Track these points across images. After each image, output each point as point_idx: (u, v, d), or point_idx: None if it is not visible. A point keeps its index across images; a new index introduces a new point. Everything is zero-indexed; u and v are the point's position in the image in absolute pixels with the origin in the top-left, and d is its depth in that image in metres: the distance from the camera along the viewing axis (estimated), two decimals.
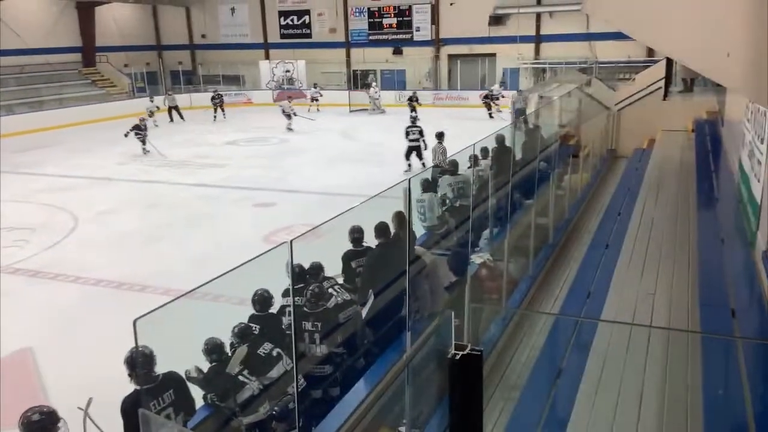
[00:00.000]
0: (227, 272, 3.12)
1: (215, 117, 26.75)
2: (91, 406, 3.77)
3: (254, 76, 33.97)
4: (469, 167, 7.16)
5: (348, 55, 33.58)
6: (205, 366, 4.29)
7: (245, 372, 4.20)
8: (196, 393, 4.20)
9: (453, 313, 4.34)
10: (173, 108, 26.69)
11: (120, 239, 11.12)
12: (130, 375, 3.83)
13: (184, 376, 4.13)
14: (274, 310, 4.89)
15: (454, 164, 7.91)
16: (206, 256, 9.81)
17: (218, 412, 4.21)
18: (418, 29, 32.11)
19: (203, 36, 36.17)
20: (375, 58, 32.57)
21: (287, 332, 4.70)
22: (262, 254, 3.58)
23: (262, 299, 4.78)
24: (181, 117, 26.64)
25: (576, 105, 11.89)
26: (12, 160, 18.89)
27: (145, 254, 10.28)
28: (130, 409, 3.73)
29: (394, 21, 32.54)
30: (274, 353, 4.36)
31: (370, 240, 5.65)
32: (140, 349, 3.53)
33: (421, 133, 15.58)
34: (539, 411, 4.21)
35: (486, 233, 6.91)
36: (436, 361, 4.21)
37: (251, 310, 4.78)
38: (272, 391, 4.26)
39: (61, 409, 3.67)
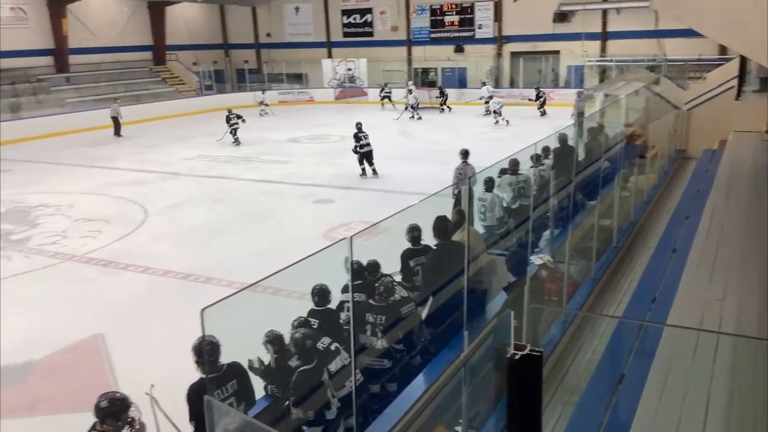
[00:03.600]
0: (288, 267, 3.20)
1: (222, 138, 21.56)
2: (156, 391, 3.93)
3: (317, 75, 34.44)
4: (531, 167, 7.06)
5: (409, 53, 33.59)
6: (266, 357, 4.40)
7: (296, 357, 4.26)
8: (257, 383, 4.31)
9: (513, 313, 4.30)
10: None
11: (187, 232, 11.50)
12: (197, 362, 3.95)
13: (246, 367, 4.25)
14: (332, 305, 4.96)
15: (515, 163, 7.81)
16: (267, 250, 10.03)
17: (277, 403, 4.30)
18: (480, 27, 31.81)
19: (268, 35, 36.90)
20: (436, 56, 32.45)
21: (345, 327, 4.76)
22: (321, 250, 3.65)
23: (321, 294, 4.85)
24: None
25: (643, 104, 11.53)
26: (87, 154, 19.83)
27: (210, 247, 10.60)
28: (195, 396, 3.86)
29: (456, 18, 32.34)
30: (332, 347, 4.42)
31: (428, 238, 5.66)
32: (207, 338, 3.64)
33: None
34: (599, 417, 4.12)
35: (546, 234, 6.80)
36: (494, 361, 4.19)
37: (310, 305, 4.86)
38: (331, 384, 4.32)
39: (128, 393, 3.84)
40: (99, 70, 29.79)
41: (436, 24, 32.85)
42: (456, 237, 5.42)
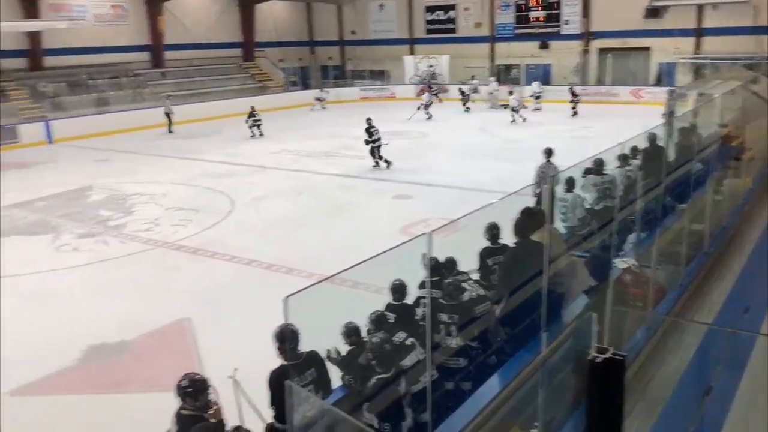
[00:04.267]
0: (366, 260, 3.26)
1: (252, 134, 22.38)
2: (238, 376, 4.08)
3: (398, 71, 34.60)
4: (617, 167, 6.83)
5: (492, 50, 33.18)
6: (343, 348, 4.49)
7: (374, 363, 4.31)
8: (333, 373, 4.41)
9: (595, 315, 4.19)
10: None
11: (271, 223, 11.87)
12: (278, 349, 4.08)
13: (324, 356, 4.35)
14: (409, 300, 5.00)
15: (600, 163, 7.58)
16: (346, 244, 10.20)
17: (352, 394, 4.38)
18: (566, 22, 30.98)
19: (353, 32, 37.39)
20: (520, 53, 31.87)
21: (421, 323, 4.79)
22: (400, 245, 3.69)
23: (398, 289, 4.90)
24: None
25: (740, 103, 10.89)
26: (180, 146, 20.79)
27: (292, 239, 10.89)
28: (275, 382, 3.99)
29: (541, 14, 31.65)
30: (408, 342, 4.46)
31: (507, 237, 5.60)
32: (289, 326, 3.74)
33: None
34: (683, 428, 3.96)
35: (632, 237, 6.57)
36: (573, 364, 4.10)
37: (387, 299, 4.92)
38: (405, 379, 4.36)
39: (212, 376, 4.02)
40: (191, 66, 31.14)
41: (521, 20, 32.26)
42: (536, 237, 5.33)
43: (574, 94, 25.32)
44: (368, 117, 16.73)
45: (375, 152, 16.38)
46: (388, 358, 4.12)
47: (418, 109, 25.08)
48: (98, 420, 5.72)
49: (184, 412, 3.78)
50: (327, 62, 35.60)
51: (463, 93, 28.03)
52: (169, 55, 30.38)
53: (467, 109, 27.30)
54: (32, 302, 8.51)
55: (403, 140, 20.93)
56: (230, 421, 3.93)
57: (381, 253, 3.34)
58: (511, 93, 26.06)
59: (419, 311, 4.99)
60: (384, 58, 34.93)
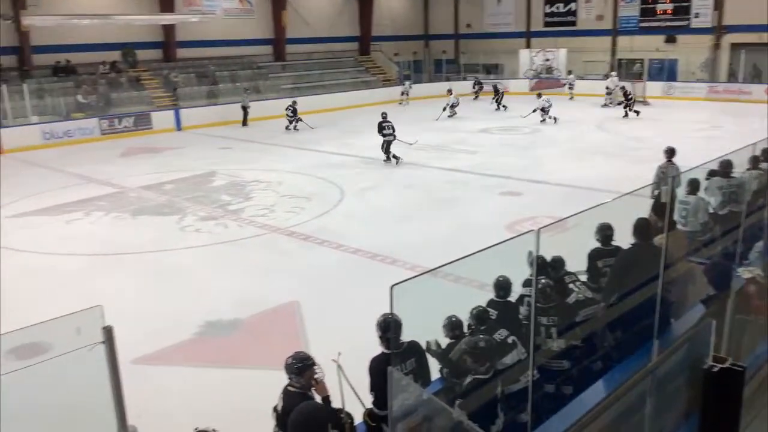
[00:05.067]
0: (470, 255, 3.26)
1: (288, 127, 22.91)
2: (341, 360, 4.22)
3: (513, 65, 33.93)
4: (747, 170, 6.38)
5: (614, 44, 31.74)
6: (444, 341, 4.52)
7: (470, 360, 4.30)
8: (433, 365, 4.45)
9: (714, 323, 3.95)
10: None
11: (377, 214, 12.10)
12: (380, 338, 4.18)
13: (424, 348, 4.40)
14: (512, 298, 4.94)
15: (727, 165, 7.09)
16: (451, 238, 10.21)
17: (449, 388, 4.41)
18: (696, 15, 29.05)
19: (468, 25, 37.06)
20: (644, 47, 30.27)
21: (524, 322, 4.72)
22: (506, 241, 3.66)
23: (502, 286, 4.85)
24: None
25: None
26: (296, 136, 21.59)
27: (397, 230, 11.04)
28: (377, 369, 4.08)
29: (669, 7, 29.85)
30: (510, 340, 4.42)
31: (618, 239, 5.38)
32: (392, 315, 3.82)
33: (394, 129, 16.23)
34: None
35: (759, 245, 6.11)
36: (687, 374, 3.90)
37: (489, 295, 4.89)
38: (504, 377, 4.33)
39: (317, 358, 4.17)
40: (311, 59, 32.18)
41: (647, 12, 30.60)
42: (657, 240, 5.09)
43: (626, 96, 23.60)
44: (383, 111, 17.03)
45: (386, 146, 16.49)
46: (483, 356, 4.11)
47: (444, 109, 24.33)
48: (211, 392, 6.10)
49: (291, 388, 3.96)
50: (441, 56, 35.53)
51: (570, 86, 27.84)
52: (290, 48, 31.55)
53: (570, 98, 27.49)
54: (158, 277, 9.21)
55: (515, 136, 20.56)
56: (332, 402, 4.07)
57: (485, 248, 3.34)
58: (539, 94, 24.95)
59: (522, 310, 4.92)
60: (498, 51, 34.37)
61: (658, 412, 4.18)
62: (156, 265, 9.72)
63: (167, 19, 26.30)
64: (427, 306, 4.12)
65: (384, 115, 16.73)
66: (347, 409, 4.10)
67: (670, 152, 9.87)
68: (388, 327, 4.04)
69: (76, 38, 24.56)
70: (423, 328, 4.52)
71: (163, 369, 6.58)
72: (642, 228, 5.12)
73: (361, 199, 13.28)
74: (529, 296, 4.70)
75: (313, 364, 3.99)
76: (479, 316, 4.57)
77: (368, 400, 4.25)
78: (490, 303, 4.86)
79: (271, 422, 4.04)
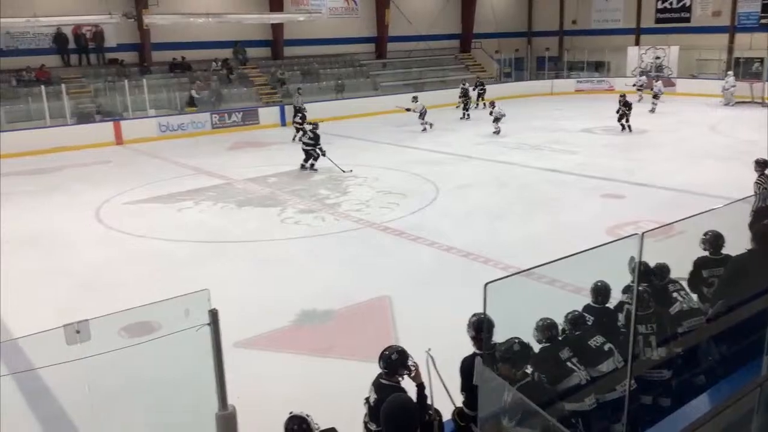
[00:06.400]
0: (567, 257, 3.19)
1: (294, 138, 20.06)
2: (430, 355, 4.24)
3: (619, 63, 32.56)
4: None
5: (731, 41, 29.71)
6: (536, 344, 4.44)
7: (574, 359, 4.21)
8: None
9: None
10: None
11: (472, 213, 12.01)
12: (473, 338, 4.16)
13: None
14: (610, 305, 4.78)
15: None
16: (546, 238, 10.00)
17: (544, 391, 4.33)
18: None
19: (574, 22, 35.93)
20: (764, 45, 28.12)
21: (622, 330, 4.57)
22: (606, 244, 3.55)
23: (601, 291, 4.69)
24: None
25: None
26: (394, 134, 21.77)
27: (491, 229, 10.92)
28: (468, 369, 4.06)
29: None
30: (606, 347, 4.29)
31: (728, 248, 5.08)
32: (485, 316, 3.80)
33: None
34: None
35: None
36: None
37: (585, 300, 4.75)
38: (599, 385, 4.22)
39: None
40: (410, 57, 32.35)
41: None
42: None
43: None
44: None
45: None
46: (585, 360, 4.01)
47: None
48: (304, 379, 6.31)
49: (383, 381, 4.01)
50: (544, 53, 34.68)
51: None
52: (391, 46, 31.86)
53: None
54: (258, 266, 9.62)
55: (619, 136, 19.76)
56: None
57: (583, 251, 3.26)
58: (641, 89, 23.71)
59: (621, 317, 4.76)
60: (604, 48, 33.08)
61: (765, 430, 3.93)
62: (257, 253, 10.15)
63: (276, 18, 27.28)
64: (520, 307, 4.07)
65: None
66: (436, 405, 4.12)
67: (763, 164, 9.16)
68: (481, 328, 4.02)
69: (192, 36, 26.02)
70: (517, 330, 4.47)
71: (260, 354, 6.88)
72: (764, 234, 4.78)
73: (457, 197, 13.23)
74: (629, 303, 4.53)
75: (408, 357, 4.04)
76: (575, 320, 4.46)
77: (458, 400, 4.26)
78: (587, 308, 4.73)
79: (360, 412, 4.14)
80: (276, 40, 28.86)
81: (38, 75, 22.46)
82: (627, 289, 4.66)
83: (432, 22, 33.10)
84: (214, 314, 3.59)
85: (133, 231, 11.43)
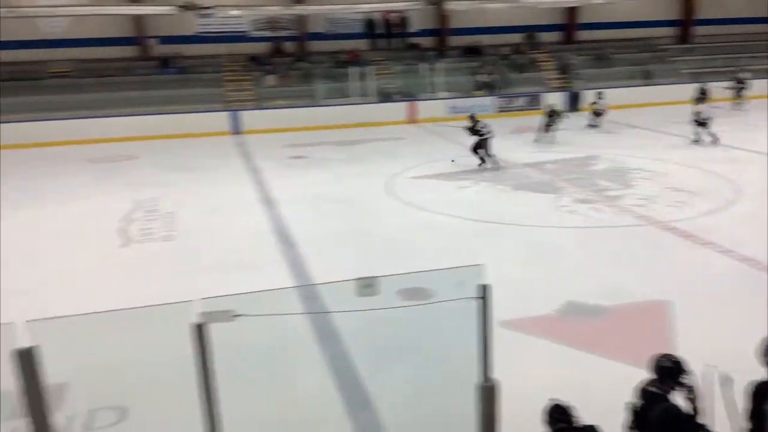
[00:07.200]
0: None
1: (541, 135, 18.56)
2: (715, 375, 3.87)
3: None
4: None
5: None
6: None
7: None
8: None
9: None
10: None
11: None
12: (765, 362, 3.73)
13: None
14: None
15: None
16: None
17: None
18: None
19: None
20: None
21: None
22: None
23: None
24: None
25: None
26: (686, 127, 19.32)
27: None
28: (758, 395, 3.67)
29: None
30: None
31: None
32: None
33: None
34: None
35: None
36: None
37: None
38: None
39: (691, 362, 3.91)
40: (723, 42, 28.75)
41: None
42: None
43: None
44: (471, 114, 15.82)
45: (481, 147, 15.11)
46: None
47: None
48: (563, 370, 6.20)
49: (650, 388, 3.83)
50: None
51: None
52: (698, 30, 28.91)
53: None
54: (529, 249, 9.65)
55: None
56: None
57: None
58: None
59: None
60: None
61: None
62: (529, 237, 10.20)
63: (572, 1, 26.51)
64: None
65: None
66: (714, 428, 3.78)
67: None
68: None
69: (486, 21, 26.88)
70: None
71: (522, 336, 6.91)
72: None
73: (764, 203, 11.52)
74: None
75: (685, 371, 3.78)
76: None
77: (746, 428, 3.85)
78: None
79: (619, 416, 3.98)
80: (570, 24, 28.24)
81: (349, 58, 25.29)
82: None
83: (750, 1, 28.94)
84: (486, 289, 3.77)
85: (416, 203, 12.39)
